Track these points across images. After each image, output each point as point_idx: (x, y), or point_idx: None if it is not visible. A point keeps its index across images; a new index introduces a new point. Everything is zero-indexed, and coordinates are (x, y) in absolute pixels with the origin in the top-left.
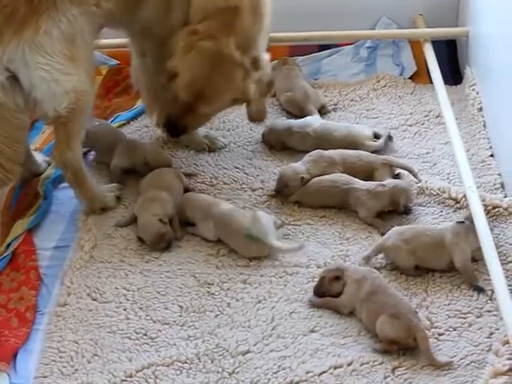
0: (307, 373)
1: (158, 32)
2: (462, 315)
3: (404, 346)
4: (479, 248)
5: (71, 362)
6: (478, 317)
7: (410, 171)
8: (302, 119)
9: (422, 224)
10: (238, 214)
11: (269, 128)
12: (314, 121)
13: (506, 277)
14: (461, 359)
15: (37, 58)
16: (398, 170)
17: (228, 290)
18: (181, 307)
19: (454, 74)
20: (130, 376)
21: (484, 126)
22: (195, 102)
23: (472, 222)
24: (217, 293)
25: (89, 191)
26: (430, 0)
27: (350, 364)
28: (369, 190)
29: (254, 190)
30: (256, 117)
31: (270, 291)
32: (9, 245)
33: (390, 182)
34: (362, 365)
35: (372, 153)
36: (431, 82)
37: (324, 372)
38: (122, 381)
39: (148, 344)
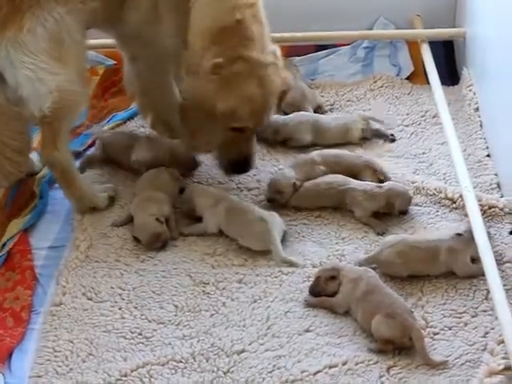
0: (302, 372)
1: (147, 36)
2: (458, 315)
3: (399, 345)
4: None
5: (66, 362)
6: (473, 316)
7: (386, 177)
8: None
9: (418, 224)
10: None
11: None
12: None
13: (502, 277)
14: (456, 358)
15: (21, 57)
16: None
17: (223, 289)
18: (176, 307)
19: (450, 75)
20: (125, 375)
21: (480, 126)
22: (256, 124)
23: (471, 233)
24: (212, 292)
25: (78, 190)
26: (428, 1)
27: (345, 363)
28: (365, 190)
29: (250, 190)
30: (293, 103)
31: (265, 291)
32: (4, 244)
33: (386, 184)
34: (357, 364)
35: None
36: (428, 83)
37: (319, 371)
38: (117, 380)
39: (143, 343)
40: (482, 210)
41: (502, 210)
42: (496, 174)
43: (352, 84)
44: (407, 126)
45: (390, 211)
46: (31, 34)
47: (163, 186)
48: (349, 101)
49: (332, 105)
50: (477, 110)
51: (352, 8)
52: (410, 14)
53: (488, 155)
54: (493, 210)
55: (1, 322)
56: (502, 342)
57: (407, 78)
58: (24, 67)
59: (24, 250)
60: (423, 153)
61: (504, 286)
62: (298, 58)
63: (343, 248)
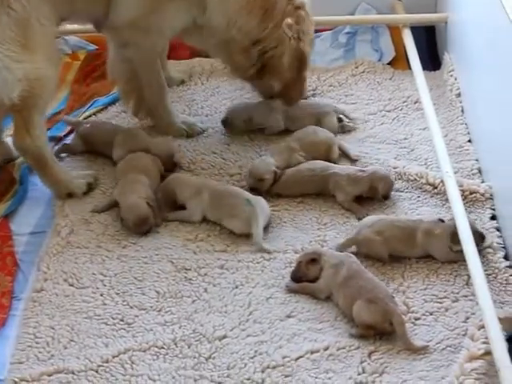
0: (284, 358)
1: (144, 24)
2: (439, 300)
3: (380, 330)
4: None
5: (47, 348)
6: (454, 301)
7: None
8: None
9: (400, 209)
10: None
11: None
12: None
13: (482, 262)
14: (437, 343)
15: None
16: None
17: (205, 275)
18: (158, 293)
19: (432, 60)
20: (107, 361)
21: (462, 111)
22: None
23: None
24: (194, 278)
25: (53, 176)
26: None
27: (326, 349)
28: (349, 175)
29: (231, 176)
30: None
31: (247, 276)
32: None
33: (369, 168)
34: (338, 349)
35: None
36: (410, 68)
37: (301, 357)
38: (99, 366)
39: (125, 329)
40: (463, 195)
41: (482, 195)
42: (477, 160)
43: (334, 69)
44: (389, 111)
45: (373, 195)
46: None
47: (146, 170)
48: (331, 86)
49: (314, 90)
50: (458, 95)
51: None
52: None
53: (469, 141)
54: (474, 195)
55: None
56: (483, 327)
57: (389, 64)
58: None
59: (5, 236)
60: (405, 138)
61: (485, 271)
62: None
63: (325, 234)
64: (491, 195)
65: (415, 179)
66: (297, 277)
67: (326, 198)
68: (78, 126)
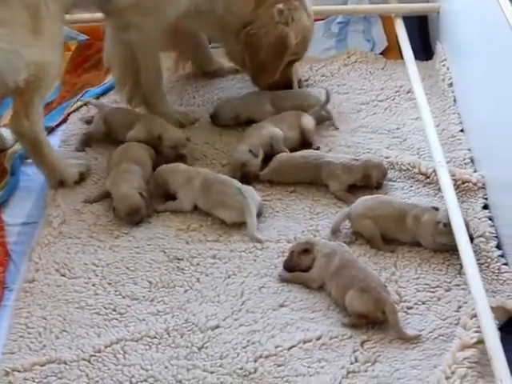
0: (276, 347)
1: (147, 5)
2: (431, 289)
3: (373, 319)
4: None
5: (39, 338)
6: (446, 291)
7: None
8: None
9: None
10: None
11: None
12: None
13: (475, 251)
14: (429, 332)
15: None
16: None
17: (197, 265)
18: (150, 282)
19: (424, 50)
20: (99, 351)
21: (454, 101)
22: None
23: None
24: (186, 268)
25: (47, 163)
26: None
27: (319, 338)
28: (343, 163)
29: (223, 166)
30: None
31: (239, 266)
32: None
33: (362, 156)
34: (331, 339)
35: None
36: (402, 58)
37: (293, 346)
38: (91, 356)
39: (117, 319)
40: (455, 184)
41: (475, 184)
42: (469, 149)
43: (326, 59)
44: (381, 101)
45: (367, 183)
46: (6, 5)
47: (139, 161)
48: (323, 76)
49: (306, 80)
50: (450, 85)
51: None
52: None
53: (461, 130)
54: (466, 184)
55: None
56: (475, 316)
57: (381, 53)
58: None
59: None
60: (397, 128)
61: (477, 260)
62: None
63: (317, 223)
64: (483, 184)
65: (408, 169)
66: (289, 266)
67: (319, 188)
68: (102, 108)
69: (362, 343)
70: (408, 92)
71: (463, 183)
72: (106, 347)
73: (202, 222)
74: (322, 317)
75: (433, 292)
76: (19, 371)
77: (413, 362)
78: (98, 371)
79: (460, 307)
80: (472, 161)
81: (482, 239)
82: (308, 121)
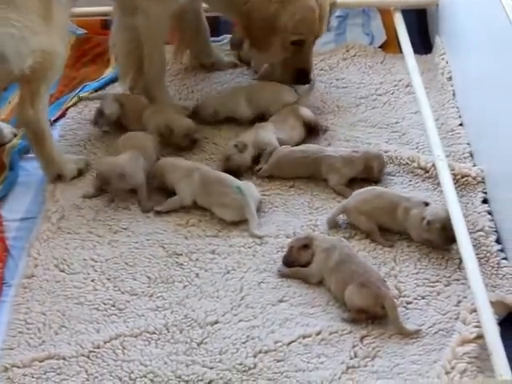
0: (276, 342)
1: None
2: (431, 284)
3: (372, 314)
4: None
5: (38, 334)
6: (446, 285)
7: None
8: None
9: None
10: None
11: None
12: None
13: (474, 245)
14: (429, 327)
15: (8, 14)
16: None
17: (197, 260)
18: (149, 278)
19: (423, 44)
20: (98, 347)
21: (453, 95)
22: (314, 35)
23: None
24: (185, 263)
25: (48, 154)
26: None
27: (318, 333)
28: (343, 156)
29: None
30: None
31: (238, 261)
32: None
33: (361, 148)
34: (330, 334)
35: None
36: (401, 52)
37: (293, 341)
38: (90, 352)
39: (116, 315)
40: (454, 179)
41: (474, 178)
42: (468, 143)
43: (325, 53)
44: (380, 95)
45: (368, 175)
46: None
47: (144, 152)
48: (322, 70)
49: None
50: (450, 78)
51: None
52: None
53: (461, 124)
54: (465, 178)
55: None
56: (475, 310)
57: (380, 47)
58: (9, 24)
59: None
60: (396, 122)
61: (476, 255)
62: None
63: (316, 218)
64: (483, 178)
65: (407, 163)
66: (288, 261)
67: (318, 183)
68: (106, 96)
69: (362, 338)
70: (407, 86)
71: (462, 177)
72: (105, 343)
73: (200, 217)
74: (322, 312)
75: (432, 287)
76: (18, 367)
77: (412, 356)
78: (98, 367)
79: (459, 302)
80: (471, 155)
81: (481, 233)
82: (306, 111)
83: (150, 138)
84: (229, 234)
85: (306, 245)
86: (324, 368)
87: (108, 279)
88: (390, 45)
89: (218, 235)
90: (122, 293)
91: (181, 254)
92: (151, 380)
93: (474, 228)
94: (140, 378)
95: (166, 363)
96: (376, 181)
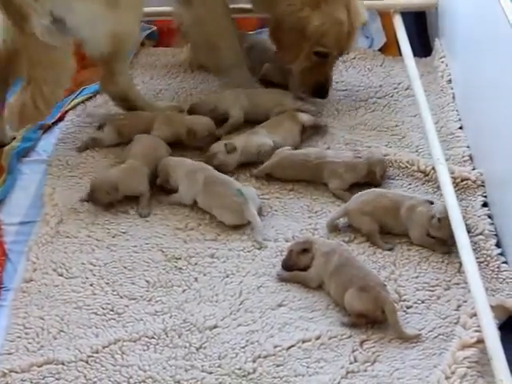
0: (275, 347)
1: None
2: (431, 288)
3: (372, 318)
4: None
5: (37, 339)
6: (446, 289)
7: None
8: None
9: None
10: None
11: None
12: None
13: (474, 249)
14: (429, 332)
15: (80, 4)
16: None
17: (196, 264)
18: (148, 282)
19: (423, 46)
20: (97, 352)
21: (453, 98)
22: (340, 50)
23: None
24: (184, 267)
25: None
26: None
27: (318, 338)
28: (345, 162)
29: None
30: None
31: (237, 265)
32: None
33: (364, 153)
34: (330, 338)
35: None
36: (401, 54)
37: (292, 346)
38: (89, 357)
39: (115, 319)
40: (454, 182)
41: (474, 182)
42: (468, 147)
43: None
44: (380, 98)
45: (371, 180)
46: None
47: (155, 161)
48: None
49: None
50: (449, 81)
51: None
52: None
53: (460, 127)
54: (465, 182)
55: None
56: (475, 315)
57: (380, 50)
58: (83, 12)
59: None
60: (396, 125)
61: (476, 258)
62: None
63: (316, 222)
64: (483, 182)
65: (406, 166)
66: (288, 265)
67: (317, 186)
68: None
69: (362, 343)
70: (407, 89)
71: (462, 181)
72: (103, 348)
73: (200, 221)
74: (321, 316)
75: (432, 291)
76: (17, 372)
77: (412, 361)
78: (96, 372)
79: (459, 306)
80: (471, 158)
81: (481, 237)
82: (305, 116)
83: (166, 148)
84: (228, 237)
85: (305, 249)
86: (323, 373)
87: (107, 283)
88: (390, 47)
89: (217, 239)
90: (121, 297)
91: (180, 258)
92: None
93: (474, 231)
94: (139, 382)
95: (164, 368)
96: (378, 184)
